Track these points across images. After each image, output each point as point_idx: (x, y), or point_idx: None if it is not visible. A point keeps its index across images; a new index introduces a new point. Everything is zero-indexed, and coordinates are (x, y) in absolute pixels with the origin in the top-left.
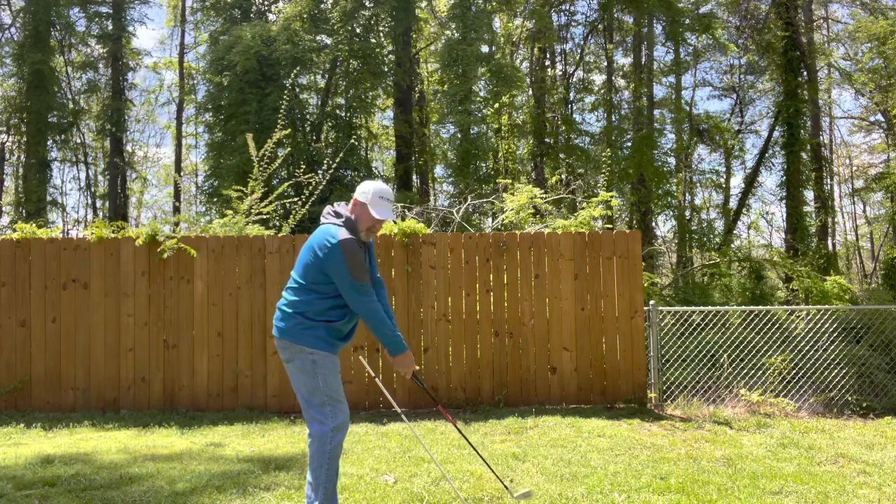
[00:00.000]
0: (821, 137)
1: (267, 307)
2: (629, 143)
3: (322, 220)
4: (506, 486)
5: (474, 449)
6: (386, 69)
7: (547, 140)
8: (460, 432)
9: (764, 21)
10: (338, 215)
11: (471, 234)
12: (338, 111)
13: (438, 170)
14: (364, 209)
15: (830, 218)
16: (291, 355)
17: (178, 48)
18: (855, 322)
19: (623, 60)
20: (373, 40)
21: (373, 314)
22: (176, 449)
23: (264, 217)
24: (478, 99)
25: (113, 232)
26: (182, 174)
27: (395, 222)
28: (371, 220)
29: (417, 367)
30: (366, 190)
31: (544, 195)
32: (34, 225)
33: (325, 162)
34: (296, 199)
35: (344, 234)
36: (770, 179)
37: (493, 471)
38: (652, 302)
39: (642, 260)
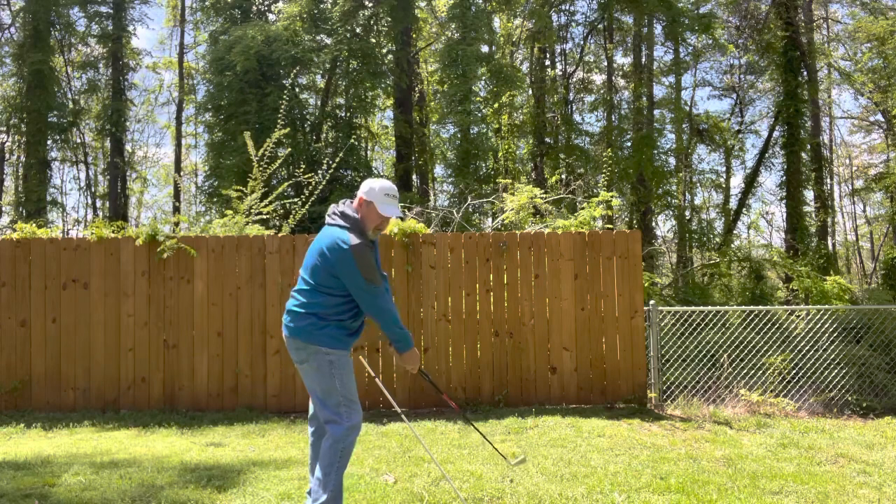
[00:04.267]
0: (821, 137)
1: (267, 307)
2: (629, 143)
3: (328, 219)
4: (504, 457)
5: (478, 430)
6: (386, 69)
7: (547, 140)
8: (467, 419)
9: (764, 21)
10: (344, 216)
11: (471, 234)
12: (338, 111)
13: (438, 170)
14: (371, 208)
15: (830, 218)
16: (307, 356)
17: (178, 48)
18: (855, 322)
19: (623, 60)
20: (372, 40)
21: (385, 313)
22: (176, 448)
23: (264, 217)
24: (478, 99)
25: (113, 232)
26: (182, 174)
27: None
28: (379, 218)
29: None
30: (371, 188)
31: (544, 195)
32: (34, 225)
33: (325, 162)
34: (296, 199)
35: (354, 239)
36: (770, 179)
37: (492, 445)
38: (652, 302)
39: (642, 260)
